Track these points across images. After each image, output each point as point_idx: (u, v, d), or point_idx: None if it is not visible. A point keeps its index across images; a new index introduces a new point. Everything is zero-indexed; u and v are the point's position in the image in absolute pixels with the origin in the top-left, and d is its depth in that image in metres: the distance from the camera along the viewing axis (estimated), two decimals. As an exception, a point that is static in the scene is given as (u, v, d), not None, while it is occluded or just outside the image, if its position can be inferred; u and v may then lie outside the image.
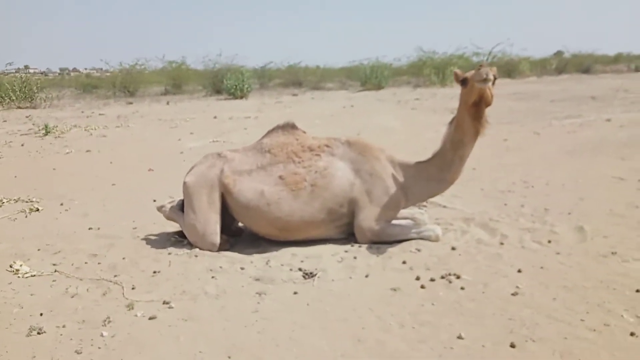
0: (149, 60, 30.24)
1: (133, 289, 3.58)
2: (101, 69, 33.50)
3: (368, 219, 4.33)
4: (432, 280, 3.56)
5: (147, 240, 4.64)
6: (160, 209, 4.72)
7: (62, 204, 6.06)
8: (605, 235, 4.39)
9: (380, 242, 4.35)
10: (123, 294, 3.49)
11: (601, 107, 15.14)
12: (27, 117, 16.63)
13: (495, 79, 4.00)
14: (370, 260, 3.98)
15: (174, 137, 11.91)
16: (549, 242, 4.26)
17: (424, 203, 5.64)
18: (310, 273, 3.73)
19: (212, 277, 3.75)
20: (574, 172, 6.91)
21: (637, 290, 3.28)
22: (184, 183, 4.44)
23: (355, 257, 4.05)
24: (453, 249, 4.17)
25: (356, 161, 4.44)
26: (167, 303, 3.31)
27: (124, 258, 4.19)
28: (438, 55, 31.25)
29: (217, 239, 4.31)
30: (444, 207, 5.53)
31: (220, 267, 3.92)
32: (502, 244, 4.25)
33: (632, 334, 2.77)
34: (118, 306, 3.31)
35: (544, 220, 4.86)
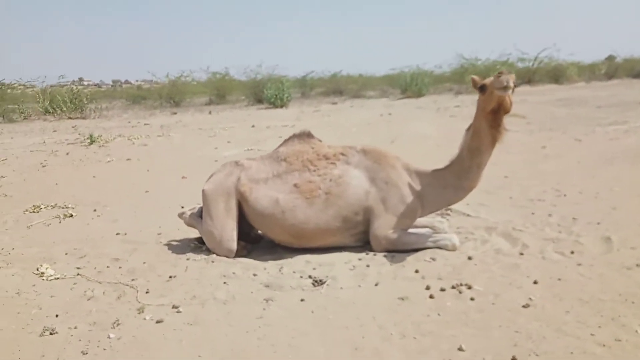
0: (194, 72, 31.09)
1: (147, 292, 3.67)
2: (151, 80, 34.56)
3: (383, 227, 4.30)
4: (442, 290, 3.49)
5: (169, 246, 4.75)
6: (181, 215, 4.83)
7: (95, 210, 6.28)
8: (633, 246, 4.19)
9: (396, 250, 4.30)
10: (137, 297, 3.58)
11: (650, 113, 14.49)
12: (73, 127, 17.32)
13: (515, 86, 3.90)
14: (382, 269, 3.94)
15: (212, 146, 12.15)
16: (572, 252, 4.10)
17: (447, 211, 5.55)
18: (320, 280, 3.73)
19: (224, 282, 3.80)
20: (610, 181, 6.63)
21: (658, 305, 3.12)
22: (203, 191, 4.53)
23: (367, 265, 4.02)
24: (469, 258, 4.07)
25: (371, 169, 4.41)
26: (176, 307, 3.37)
27: (144, 263, 4.31)
28: (481, 61, 30.69)
29: (233, 245, 4.37)
30: (468, 215, 5.41)
31: (234, 273, 3.97)
32: (521, 254, 4.13)
33: (644, 350, 2.63)
34: (130, 309, 3.40)
35: (570, 231, 4.68)
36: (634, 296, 3.25)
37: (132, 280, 3.93)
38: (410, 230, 4.67)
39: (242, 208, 4.48)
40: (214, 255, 4.38)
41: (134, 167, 9.58)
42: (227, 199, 4.44)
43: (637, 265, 3.75)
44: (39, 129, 17.72)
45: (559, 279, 3.59)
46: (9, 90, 25.22)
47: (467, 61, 31.15)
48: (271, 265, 4.13)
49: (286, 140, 4.72)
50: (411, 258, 4.13)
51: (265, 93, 24.57)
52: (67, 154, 11.44)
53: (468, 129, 4.33)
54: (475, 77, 4.21)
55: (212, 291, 3.64)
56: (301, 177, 4.39)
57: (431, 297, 3.39)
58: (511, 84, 3.82)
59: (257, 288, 3.67)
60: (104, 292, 3.71)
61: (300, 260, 4.23)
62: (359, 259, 4.18)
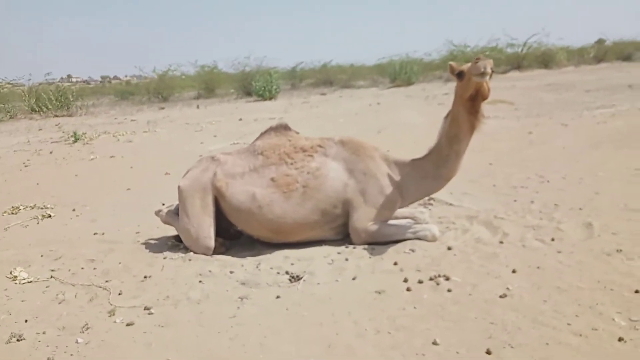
0: (181, 66, 30.80)
1: (120, 294, 3.59)
2: (141, 75, 34.15)
3: (362, 219, 4.23)
4: (420, 282, 3.43)
5: (146, 245, 4.66)
6: (157, 213, 4.75)
7: (74, 210, 6.18)
8: (614, 231, 4.15)
9: (376, 243, 4.24)
10: (109, 300, 3.51)
11: (637, 96, 14.47)
12: (56, 125, 17.11)
13: (492, 72, 3.80)
14: (361, 262, 3.88)
15: (198, 141, 12.04)
16: (552, 240, 4.06)
17: (430, 201, 5.50)
18: (297, 276, 3.66)
19: (200, 281, 3.72)
20: (594, 165, 6.60)
21: (637, 291, 3.08)
22: (178, 187, 4.44)
23: (346, 259, 3.96)
24: (449, 248, 4.02)
25: (349, 161, 4.34)
26: (148, 309, 3.30)
27: (119, 263, 4.23)
28: (470, 48, 30.58)
29: (211, 242, 4.30)
30: (450, 204, 5.36)
31: (210, 271, 3.89)
32: (501, 242, 4.08)
33: (620, 339, 2.59)
34: (100, 312, 3.33)
35: (551, 217, 4.64)
36: (612, 283, 3.21)
37: (106, 281, 3.85)
38: (391, 221, 4.62)
39: (219, 204, 4.40)
40: (192, 254, 4.30)
41: (118, 165, 9.47)
42: (204, 195, 4.35)
43: (617, 251, 3.71)
44: (25, 128, 17.50)
45: (538, 267, 3.54)
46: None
47: (456, 48, 31.07)
48: (249, 262, 4.06)
49: (263, 134, 4.64)
50: (391, 250, 4.07)
51: (254, 85, 24.38)
52: (51, 152, 11.29)
53: (446, 117, 4.26)
54: (453, 64, 4.13)
55: (186, 291, 3.56)
56: (278, 170, 4.31)
57: (408, 289, 3.34)
58: (489, 70, 3.72)
59: (232, 286, 3.61)
60: (75, 295, 3.63)
61: (278, 255, 4.16)
62: (338, 253, 4.12)
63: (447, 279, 3.44)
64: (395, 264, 3.79)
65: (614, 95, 15.37)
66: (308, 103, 21.13)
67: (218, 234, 4.54)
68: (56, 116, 21.58)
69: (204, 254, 4.29)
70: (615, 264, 3.50)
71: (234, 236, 4.71)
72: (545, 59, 35.10)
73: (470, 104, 4.01)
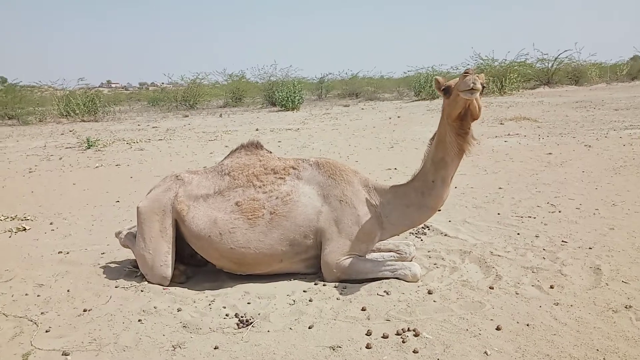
0: (209, 74, 30.75)
1: (47, 331, 3.12)
2: (176, 82, 34.17)
3: (335, 252, 3.68)
4: (385, 337, 2.86)
5: (105, 269, 4.21)
6: (117, 234, 4.28)
7: (51, 223, 5.79)
8: (626, 279, 3.50)
9: (349, 280, 3.69)
10: (31, 339, 3.03)
11: (669, 117, 13.50)
12: (70, 131, 17.01)
13: (483, 87, 3.21)
14: (325, 305, 3.32)
15: (208, 150, 11.68)
16: (551, 287, 3.43)
17: (424, 229, 4.90)
18: (247, 320, 3.12)
19: (140, 320, 3.22)
20: (612, 194, 5.89)
21: (644, 366, 2.44)
22: (137, 208, 3.97)
23: (310, 300, 3.40)
24: (429, 292, 3.43)
25: (325, 185, 3.80)
26: (67, 355, 2.81)
27: (68, 290, 3.77)
28: (498, 62, 29.60)
29: (167, 271, 3.80)
30: (445, 235, 4.75)
31: (155, 307, 3.39)
32: (491, 288, 3.46)
33: None
34: (15, 355, 2.85)
35: (555, 257, 4.00)
36: (614, 354, 2.57)
37: (42, 313, 3.38)
38: (373, 254, 4.06)
39: (180, 229, 3.91)
40: (146, 283, 3.82)
41: (119, 174, 9.12)
42: (163, 218, 3.87)
43: (626, 307, 3.07)
44: (48, 132, 17.50)
45: (528, 325, 2.92)
46: (29, 93, 25.31)
47: (484, 61, 30.04)
48: (202, 298, 3.54)
49: (233, 152, 4.14)
50: (363, 291, 3.51)
51: (277, 96, 24.03)
52: (60, 158, 11.08)
53: (432, 139, 3.69)
54: (439, 78, 3.55)
55: (119, 332, 3.06)
56: (244, 194, 3.80)
57: (368, 347, 2.76)
58: (478, 86, 3.13)
59: (172, 330, 3.09)
60: (0, 329, 3.17)
61: (239, 290, 3.64)
62: (304, 291, 3.57)
63: (417, 334, 2.85)
64: (364, 309, 3.22)
65: (645, 115, 14.39)
66: (329, 114, 20.64)
67: (182, 260, 4.06)
68: (83, 121, 21.64)
69: (160, 284, 3.80)
70: (622, 325, 2.86)
71: (200, 263, 4.22)
72: (575, 75, 33.82)
73: (458, 124, 3.43)
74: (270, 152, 4.10)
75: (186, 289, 3.76)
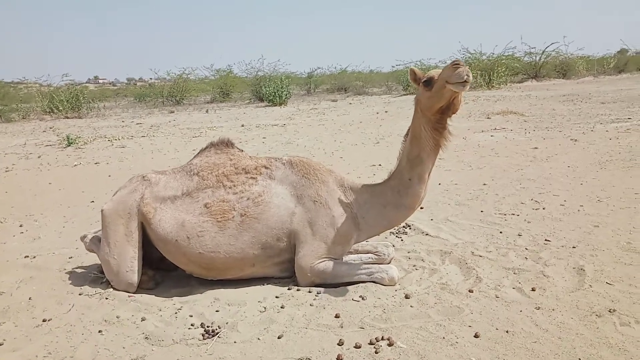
0: (195, 69, 30.40)
1: (1, 345, 2.93)
2: (164, 78, 33.69)
3: (309, 256, 3.51)
4: (357, 347, 2.70)
5: (71, 275, 4.01)
6: (82, 238, 4.08)
7: (21, 225, 5.57)
8: (611, 280, 3.37)
9: (324, 284, 3.52)
10: (-18, 353, 2.84)
11: (655, 109, 13.46)
12: (50, 128, 16.66)
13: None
14: (297, 312, 3.16)
15: (191, 147, 11.44)
16: (533, 290, 3.29)
17: (406, 228, 4.75)
18: (213, 331, 2.94)
19: (100, 331, 3.03)
20: (598, 190, 5.77)
21: (628, 376, 2.30)
22: (101, 211, 3.77)
23: (282, 307, 3.23)
24: (406, 297, 3.27)
25: (298, 185, 3.63)
26: (17, 371, 2.63)
27: (30, 298, 3.57)
28: (486, 55, 29.52)
29: (134, 277, 3.61)
30: (426, 234, 4.60)
31: (118, 317, 3.20)
32: (471, 291, 3.31)
33: None
34: (-38, 372, 2.67)
35: (538, 257, 3.86)
36: (596, 363, 2.43)
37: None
38: (351, 256, 3.91)
39: (147, 232, 3.72)
40: (111, 290, 3.63)
41: (98, 172, 8.88)
42: (128, 222, 3.67)
43: (610, 311, 2.93)
44: (30, 130, 17.14)
45: (507, 332, 2.77)
46: (12, 89, 24.84)
47: (471, 55, 29.93)
48: (169, 306, 3.36)
49: (202, 150, 3.95)
50: (338, 295, 3.35)
51: (264, 91, 23.77)
52: (39, 157, 10.80)
53: (406, 135, 3.54)
54: (416, 69, 3.39)
55: (76, 345, 2.88)
56: (214, 195, 3.61)
57: (339, 358, 2.60)
58: (471, 78, 3.02)
59: (133, 341, 2.90)
60: (-49, 343, 2.98)
61: (208, 297, 3.46)
62: (277, 297, 3.40)
63: (391, 344, 2.70)
64: (337, 316, 3.06)
65: (632, 107, 14.36)
66: (316, 110, 20.44)
67: (151, 265, 3.88)
68: (67, 118, 21.26)
69: (126, 291, 3.61)
70: (605, 331, 2.72)
71: (171, 267, 4.03)
72: (563, 69, 33.85)
73: (437, 117, 3.32)
74: (242, 151, 3.92)
75: (153, 296, 3.58)
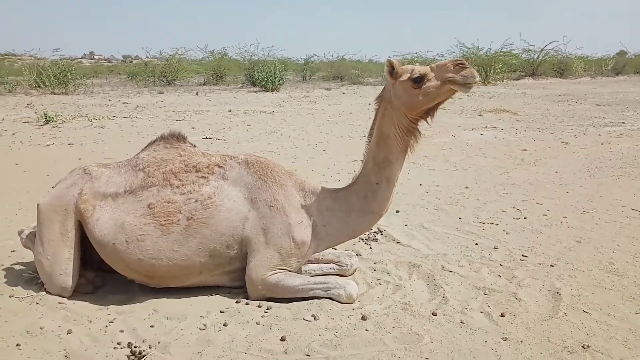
0: (189, 50, 29.82)
1: None
2: (161, 57, 32.94)
3: (261, 266, 3.19)
4: (296, 379, 2.38)
5: (7, 272, 3.67)
6: (20, 233, 3.72)
7: (-29, 212, 5.21)
8: (587, 307, 3.07)
9: (277, 298, 3.20)
10: None
11: (651, 114, 13.18)
12: (27, 105, 16.15)
13: None
14: (240, 332, 2.83)
15: (172, 132, 11.03)
16: (502, 315, 2.98)
17: (376, 235, 4.43)
18: (140, 353, 2.62)
19: (18, 345, 2.71)
20: (584, 200, 5.47)
21: None
22: (37, 205, 3.42)
23: (224, 325, 2.91)
24: (363, 318, 2.96)
25: (253, 188, 3.29)
26: None
27: (-47, 299, 3.23)
28: (483, 51, 29.13)
29: (68, 281, 3.27)
30: (397, 242, 4.29)
31: (42, 328, 2.87)
32: (434, 314, 3.00)
33: None
34: None
35: (512, 275, 3.56)
36: (562, 416, 2.12)
37: None
38: (307, 266, 3.59)
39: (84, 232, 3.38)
40: (44, 293, 3.29)
41: (69, 154, 8.48)
42: (64, 219, 3.32)
43: (583, 347, 2.63)
44: (13, 104, 16.62)
45: (467, 368, 2.47)
46: (7, 62, 24.29)
47: (469, 50, 29.53)
48: (102, 317, 3.03)
49: (151, 144, 3.58)
50: (289, 313, 3.03)
51: (257, 76, 23.29)
52: (14, 134, 10.37)
53: (370, 135, 3.23)
54: (395, 62, 3.08)
55: (-16, 361, 2.56)
56: (159, 195, 3.26)
57: (273, 393, 2.29)
58: (478, 79, 2.84)
59: None
60: None
61: (147, 308, 3.13)
62: (221, 312, 3.07)
63: (334, 378, 2.39)
64: (283, 339, 2.74)
65: (626, 111, 14.08)
66: (308, 97, 20.00)
67: (93, 266, 3.54)
68: (53, 93, 20.69)
69: (59, 295, 3.28)
70: (576, 373, 2.41)
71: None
72: (561, 68, 33.52)
73: (415, 119, 3.10)
74: (194, 146, 3.57)
75: (88, 303, 3.24)
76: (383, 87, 3.26)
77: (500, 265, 3.75)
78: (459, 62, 2.88)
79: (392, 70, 3.07)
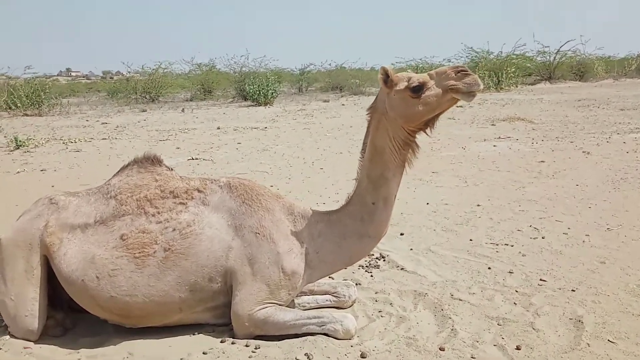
0: (173, 64, 30.07)
1: None
2: (144, 72, 33.18)
3: (248, 301, 3.15)
4: None
5: (-33, 315, 3.62)
6: (-18, 271, 3.69)
7: None
8: (613, 337, 3.03)
9: (266, 335, 3.15)
10: None
11: (680, 118, 13.20)
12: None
13: None
14: (224, 375, 2.78)
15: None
16: (518, 348, 2.94)
17: (378, 261, 4.40)
18: (111, 400, 2.57)
19: (-26, 397, 2.66)
20: (608, 215, 5.44)
21: None
22: (-1, 241, 3.39)
23: (207, 367, 2.86)
24: (362, 356, 2.91)
25: (237, 214, 3.26)
26: None
27: None
28: (494, 55, 29.32)
29: (34, 323, 3.23)
30: (402, 269, 4.25)
31: (3, 376, 2.83)
32: (442, 349, 2.95)
33: None
34: None
35: (529, 303, 3.51)
36: None
37: None
38: (301, 298, 3.55)
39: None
40: (7, 337, 3.25)
41: (42, 181, 8.49)
42: (29, 255, 3.28)
43: (609, 382, 2.57)
44: (-19, 129, 16.72)
45: (478, 411, 2.41)
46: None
47: (477, 54, 29.76)
48: (70, 361, 2.99)
49: (123, 168, 3.56)
50: (279, 353, 2.98)
51: (247, 89, 23.44)
52: (-19, 161, 10.40)
53: (363, 150, 3.23)
54: (390, 69, 3.08)
55: None
56: (133, 224, 3.24)
57: None
58: (482, 87, 2.88)
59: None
60: None
61: (121, 352, 3.08)
62: (204, 353, 3.02)
63: None
64: (272, 382, 2.69)
65: (653, 116, 14.09)
66: (304, 111, 20.11)
67: (62, 305, 3.49)
68: (26, 115, 20.83)
69: (25, 339, 3.23)
70: (601, 412, 2.36)
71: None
72: (580, 70, 33.68)
73: (414, 131, 3.10)
74: (171, 170, 3.55)
75: (57, 347, 3.19)
76: (375, 96, 3.25)
77: (516, 291, 3.70)
78: (460, 68, 2.90)
79: (387, 79, 3.07)
